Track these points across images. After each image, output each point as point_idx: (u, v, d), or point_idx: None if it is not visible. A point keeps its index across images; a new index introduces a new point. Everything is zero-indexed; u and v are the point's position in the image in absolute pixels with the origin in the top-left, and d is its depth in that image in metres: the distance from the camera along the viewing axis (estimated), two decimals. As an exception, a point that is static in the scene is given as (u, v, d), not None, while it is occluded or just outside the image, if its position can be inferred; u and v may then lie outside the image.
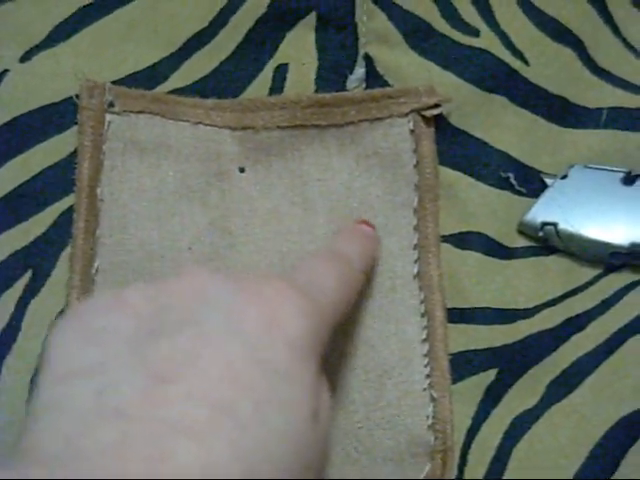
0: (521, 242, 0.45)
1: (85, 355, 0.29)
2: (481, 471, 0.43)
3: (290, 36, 0.47)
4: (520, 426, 0.43)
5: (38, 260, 0.44)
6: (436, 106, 0.45)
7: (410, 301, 0.44)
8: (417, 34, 0.47)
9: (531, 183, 0.46)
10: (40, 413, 0.28)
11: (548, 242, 0.45)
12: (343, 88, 0.46)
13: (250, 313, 0.30)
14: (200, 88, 0.46)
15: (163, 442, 0.26)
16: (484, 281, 0.45)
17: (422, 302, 0.44)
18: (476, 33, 0.47)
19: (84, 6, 0.47)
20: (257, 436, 0.27)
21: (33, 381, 0.43)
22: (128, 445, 0.26)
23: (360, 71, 0.46)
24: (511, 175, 0.45)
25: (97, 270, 0.44)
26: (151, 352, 0.29)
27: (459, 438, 0.43)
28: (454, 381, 0.43)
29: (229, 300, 0.30)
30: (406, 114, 0.45)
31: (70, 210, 0.45)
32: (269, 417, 0.28)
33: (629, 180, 0.45)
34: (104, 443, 0.26)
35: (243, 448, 0.27)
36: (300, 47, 0.47)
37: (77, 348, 0.30)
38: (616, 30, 0.47)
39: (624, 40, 0.47)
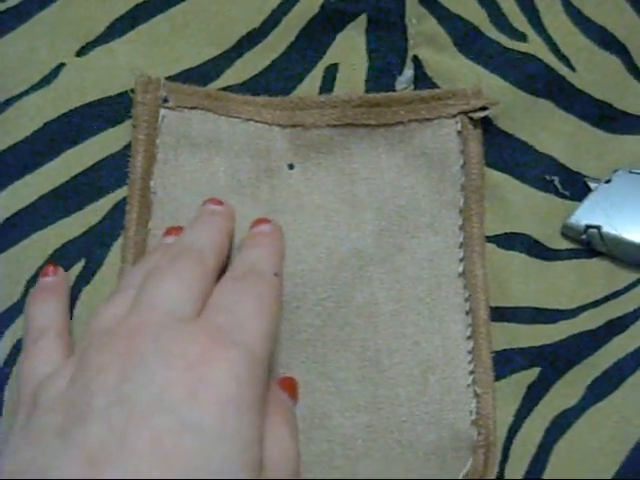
0: (564, 244, 0.47)
1: (23, 456, 0.31)
2: (522, 467, 0.44)
3: (340, 37, 0.49)
4: (561, 424, 0.45)
5: (91, 249, 0.46)
6: (483, 109, 0.47)
7: (455, 299, 0.46)
8: (466, 38, 0.48)
9: (575, 187, 0.47)
10: None
11: (591, 245, 0.46)
12: (392, 89, 0.48)
13: (176, 382, 0.31)
14: (252, 86, 0.48)
15: None
16: (527, 281, 0.46)
17: (466, 300, 0.45)
18: (524, 38, 0.48)
19: (140, 3, 0.49)
20: None
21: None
22: None
23: (409, 73, 0.48)
24: (556, 178, 0.47)
25: (148, 261, 0.46)
26: (81, 437, 0.30)
27: (501, 434, 0.45)
28: (497, 378, 0.45)
29: (153, 371, 0.32)
30: (454, 115, 0.47)
31: (123, 201, 0.47)
32: None
33: (672, 186, 0.47)
34: None
35: None
36: (350, 48, 0.49)
37: (18, 451, 0.32)
38: (662, 39, 0.49)
39: (669, 49, 0.49)
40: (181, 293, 0.36)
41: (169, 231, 0.45)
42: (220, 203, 0.45)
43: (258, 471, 0.32)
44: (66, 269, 0.46)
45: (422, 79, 0.48)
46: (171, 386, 0.31)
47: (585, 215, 0.46)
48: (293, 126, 0.47)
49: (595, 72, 0.48)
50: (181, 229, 0.44)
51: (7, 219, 0.47)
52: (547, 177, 0.47)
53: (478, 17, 0.49)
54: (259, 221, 0.45)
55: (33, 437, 0.32)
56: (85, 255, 0.46)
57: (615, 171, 0.47)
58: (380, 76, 0.48)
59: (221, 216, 0.44)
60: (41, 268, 0.46)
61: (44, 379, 0.35)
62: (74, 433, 0.30)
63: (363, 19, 0.49)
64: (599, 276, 0.47)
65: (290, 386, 0.41)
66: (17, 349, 0.45)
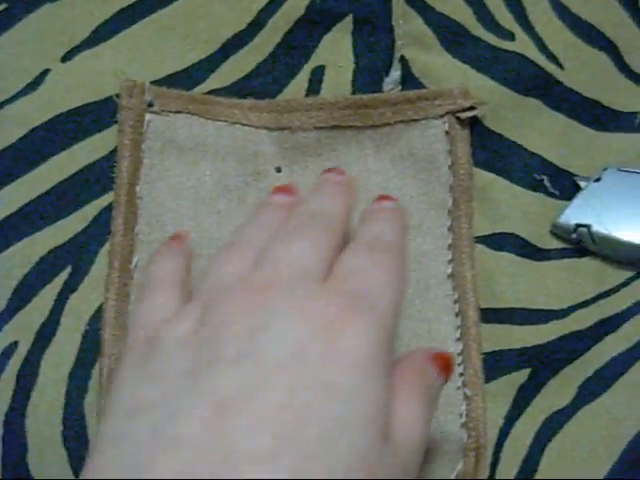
0: (554, 244, 0.47)
1: (145, 393, 0.31)
2: (513, 469, 0.44)
3: (327, 39, 0.49)
4: (552, 426, 0.45)
5: (78, 256, 0.47)
6: (471, 108, 0.47)
7: (444, 301, 0.46)
8: (453, 37, 0.49)
9: (564, 186, 0.48)
10: (102, 447, 0.30)
11: (581, 244, 0.46)
12: (379, 90, 0.48)
13: (311, 340, 0.31)
14: (238, 89, 0.49)
15: (225, 471, 0.27)
16: (517, 282, 0.46)
17: (456, 302, 0.46)
18: (511, 37, 0.49)
19: (124, 8, 0.49)
20: (323, 461, 0.28)
21: (72, 376, 0.45)
22: (189, 474, 0.27)
23: (396, 73, 0.48)
24: (545, 177, 0.47)
25: (136, 266, 0.46)
26: (211, 383, 0.30)
27: (492, 436, 0.45)
28: (487, 380, 0.45)
29: (287, 327, 0.31)
30: (441, 116, 0.47)
31: (110, 207, 0.47)
32: (335, 441, 0.29)
33: (663, 183, 0.47)
34: (165, 473, 0.27)
35: (309, 473, 0.28)
36: (337, 50, 0.49)
37: (137, 387, 0.32)
38: (650, 35, 0.49)
39: (658, 45, 0.49)
40: (313, 255, 0.35)
41: (278, 189, 0.43)
42: (343, 173, 0.43)
43: (384, 440, 0.31)
44: (52, 276, 0.46)
45: (409, 80, 0.49)
46: (307, 343, 0.31)
47: (575, 214, 0.46)
48: (280, 129, 0.48)
49: (584, 70, 0.49)
50: (290, 189, 0.42)
51: (-7, 226, 0.47)
52: (536, 176, 0.48)
53: (465, 16, 0.49)
54: (383, 198, 0.42)
55: (156, 376, 0.32)
56: (71, 262, 0.46)
57: (605, 169, 0.47)
58: (367, 77, 0.49)
59: (346, 187, 0.41)
60: (27, 275, 0.46)
61: (166, 321, 0.35)
62: (204, 378, 0.30)
63: (349, 20, 0.49)
64: (589, 275, 0.47)
65: (443, 363, 0.38)
66: (4, 356, 0.45)
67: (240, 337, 0.31)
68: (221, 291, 0.34)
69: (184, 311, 0.35)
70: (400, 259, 0.38)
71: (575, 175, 0.48)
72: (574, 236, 0.46)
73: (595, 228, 0.46)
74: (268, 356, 0.30)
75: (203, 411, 0.29)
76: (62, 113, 0.48)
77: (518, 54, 0.48)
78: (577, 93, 0.48)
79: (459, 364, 0.45)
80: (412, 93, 0.48)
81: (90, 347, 0.46)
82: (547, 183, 0.47)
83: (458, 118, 0.47)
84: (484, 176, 0.48)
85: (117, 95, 0.48)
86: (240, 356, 0.30)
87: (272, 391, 0.29)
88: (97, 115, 0.48)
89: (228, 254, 0.38)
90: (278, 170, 0.48)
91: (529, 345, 0.46)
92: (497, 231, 0.47)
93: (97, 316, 0.46)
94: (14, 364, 0.45)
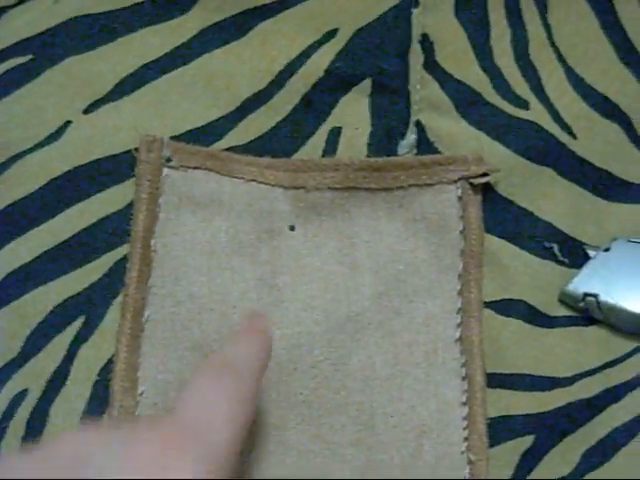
0: (562, 311, 0.49)
1: None
2: (515, 535, 0.46)
3: (344, 101, 0.52)
4: (555, 493, 0.47)
5: (91, 307, 0.49)
6: (484, 175, 0.50)
7: (451, 364, 0.48)
8: (468, 103, 0.51)
9: (574, 254, 0.50)
10: None
11: (589, 313, 0.49)
12: (394, 153, 0.51)
13: None
14: (255, 147, 0.51)
15: None
16: (524, 348, 0.49)
17: (463, 366, 0.48)
18: (526, 105, 0.51)
19: (147, 63, 0.52)
20: None
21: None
22: None
23: (411, 137, 0.51)
24: (555, 245, 0.50)
25: (147, 319, 0.48)
26: None
27: (494, 502, 0.47)
28: (491, 445, 0.47)
29: (113, 470, 0.31)
30: (455, 181, 0.50)
31: (124, 259, 0.49)
32: None
33: (670, 256, 0.49)
34: None
35: None
36: (354, 112, 0.52)
37: None
38: (663, 108, 0.52)
39: (670, 118, 0.51)
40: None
41: None
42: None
43: None
44: (65, 325, 0.49)
45: (425, 144, 0.51)
46: None
47: (583, 283, 0.49)
48: (295, 188, 0.50)
49: (596, 140, 0.51)
50: None
51: (9, 274, 0.49)
52: (546, 244, 0.50)
53: (481, 83, 0.52)
54: (255, 319, 0.44)
55: None
56: (85, 312, 0.49)
57: (614, 240, 0.49)
58: (383, 140, 0.51)
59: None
60: (41, 324, 0.48)
61: None
62: None
63: (367, 83, 0.52)
64: (596, 344, 0.49)
65: None
66: (14, 403, 0.48)
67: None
68: None
69: None
70: (248, 393, 0.38)
71: (585, 244, 0.50)
72: (582, 305, 0.49)
73: (603, 298, 0.48)
74: None
75: None
76: (81, 165, 0.51)
77: (532, 123, 0.51)
78: (589, 163, 0.51)
79: (464, 428, 0.47)
80: (426, 158, 0.50)
81: (99, 398, 0.48)
82: (557, 251, 0.50)
83: (471, 184, 0.50)
84: (495, 242, 0.50)
85: (136, 149, 0.50)
86: None
87: None
88: (115, 168, 0.51)
89: None
90: (292, 228, 0.50)
91: (534, 412, 0.48)
92: (506, 297, 0.49)
93: (107, 367, 0.48)
94: (24, 411, 0.48)
